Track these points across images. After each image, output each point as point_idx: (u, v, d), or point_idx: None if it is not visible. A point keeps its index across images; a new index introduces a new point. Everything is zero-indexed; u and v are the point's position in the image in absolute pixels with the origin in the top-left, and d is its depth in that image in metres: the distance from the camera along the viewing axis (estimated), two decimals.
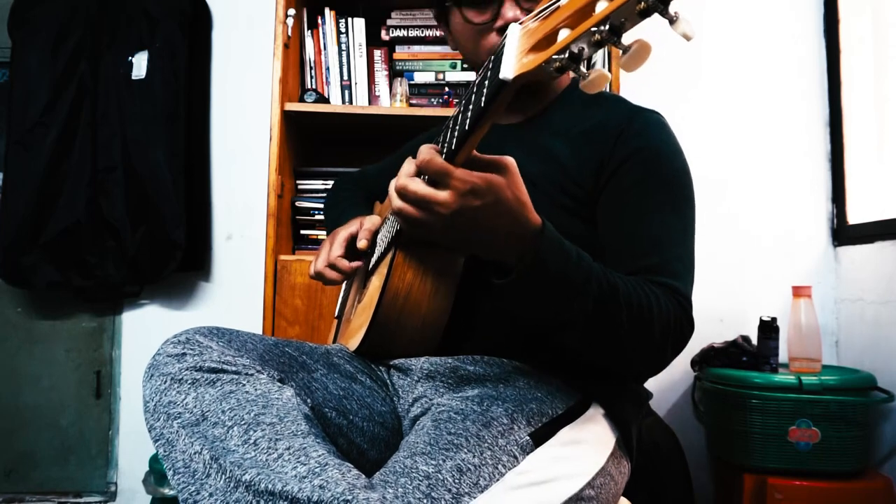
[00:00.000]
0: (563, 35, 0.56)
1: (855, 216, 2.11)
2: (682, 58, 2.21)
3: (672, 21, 0.51)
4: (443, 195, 0.69)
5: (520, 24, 0.64)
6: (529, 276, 0.74)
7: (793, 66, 2.22)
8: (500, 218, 0.71)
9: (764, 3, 2.24)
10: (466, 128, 0.69)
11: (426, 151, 0.70)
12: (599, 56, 1.88)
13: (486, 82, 0.66)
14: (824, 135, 2.20)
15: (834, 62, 2.19)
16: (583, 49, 0.55)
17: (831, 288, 2.14)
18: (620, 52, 0.55)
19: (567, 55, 0.56)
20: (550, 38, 0.58)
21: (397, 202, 0.73)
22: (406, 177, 0.72)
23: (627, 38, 0.55)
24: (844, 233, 2.12)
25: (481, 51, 1.01)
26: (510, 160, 0.73)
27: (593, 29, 0.53)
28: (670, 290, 0.84)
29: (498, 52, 0.65)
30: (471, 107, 0.70)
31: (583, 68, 0.57)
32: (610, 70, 1.78)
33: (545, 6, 0.61)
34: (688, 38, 0.52)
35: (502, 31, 0.97)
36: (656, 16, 0.51)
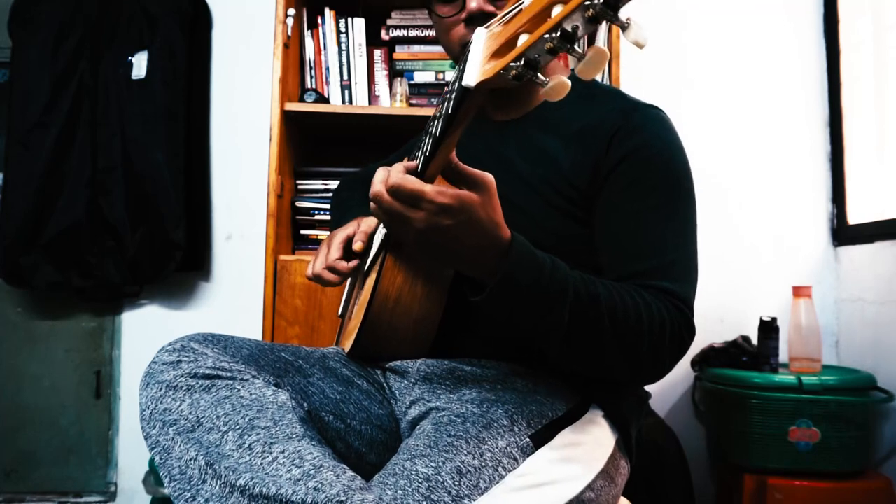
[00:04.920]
0: (522, 40, 0.55)
1: (855, 216, 2.11)
2: (682, 58, 2.21)
3: (623, 28, 0.50)
4: (414, 214, 0.69)
5: (486, 27, 0.64)
6: (500, 291, 0.73)
7: (793, 67, 2.22)
8: (471, 236, 0.71)
9: (764, 4, 2.23)
10: (437, 134, 0.68)
11: (396, 175, 0.69)
12: (602, 37, 1.86)
13: (456, 87, 0.65)
14: (824, 135, 2.20)
15: (834, 62, 2.18)
16: (537, 57, 0.55)
17: (831, 288, 2.13)
18: (576, 58, 0.54)
19: (523, 62, 0.55)
20: (511, 43, 0.57)
21: (372, 206, 0.73)
22: (381, 184, 0.71)
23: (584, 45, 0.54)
24: (844, 233, 2.12)
25: (451, 43, 1.01)
26: (490, 178, 0.72)
27: (546, 36, 0.53)
28: (666, 295, 0.82)
29: (465, 57, 0.64)
30: (441, 113, 0.69)
31: (541, 75, 0.56)
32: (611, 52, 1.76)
33: (510, 9, 0.60)
34: (640, 46, 0.51)
35: (469, 22, 0.96)
36: (635, 13, 0.51)
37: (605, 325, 0.77)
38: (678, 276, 0.84)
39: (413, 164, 0.75)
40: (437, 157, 0.70)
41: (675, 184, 0.89)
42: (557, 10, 0.52)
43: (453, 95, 0.66)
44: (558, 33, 0.52)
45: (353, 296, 1.16)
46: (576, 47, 0.53)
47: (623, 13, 0.50)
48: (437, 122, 0.71)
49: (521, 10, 0.57)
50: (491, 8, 0.95)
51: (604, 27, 0.52)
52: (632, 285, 0.82)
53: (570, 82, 0.56)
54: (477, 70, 0.60)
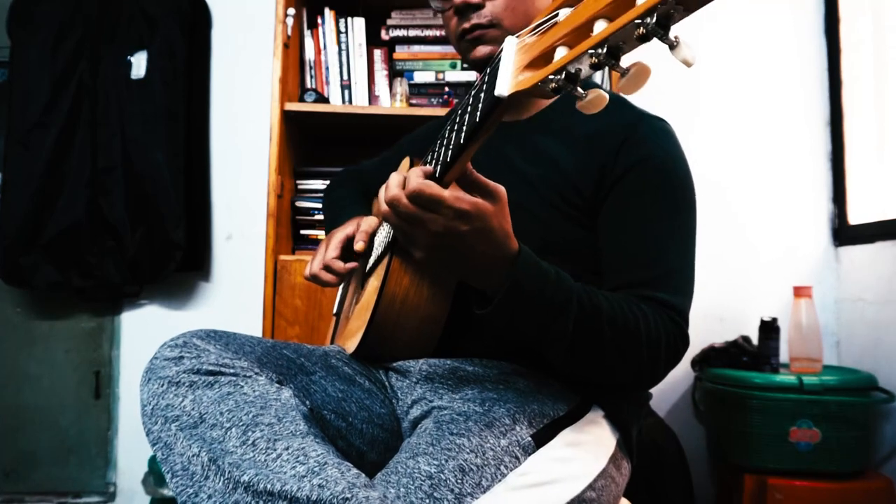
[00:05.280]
0: (561, 54, 0.55)
1: (855, 216, 2.11)
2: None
3: (672, 46, 0.49)
4: (431, 218, 0.69)
5: (517, 37, 0.64)
6: (507, 299, 0.74)
7: (793, 67, 2.22)
8: (482, 243, 0.71)
9: (765, 4, 2.24)
10: (462, 141, 0.68)
11: (416, 180, 0.69)
12: None
13: (482, 96, 0.65)
14: (825, 135, 2.20)
15: (834, 62, 2.19)
16: (580, 70, 0.54)
17: (832, 288, 2.13)
18: (619, 74, 0.53)
19: (563, 76, 0.55)
20: (547, 55, 0.57)
21: (384, 209, 0.73)
22: (398, 188, 0.71)
23: (626, 60, 0.53)
24: (845, 233, 2.12)
25: (450, 35, 1.05)
26: (502, 190, 0.73)
27: (591, 51, 0.52)
28: (663, 306, 0.83)
29: (494, 66, 0.64)
30: (466, 119, 0.69)
31: (580, 89, 0.56)
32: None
33: (543, 20, 0.60)
34: (688, 65, 0.50)
35: (459, 13, 0.99)
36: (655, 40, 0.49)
37: (607, 335, 0.78)
38: (676, 287, 0.86)
39: (430, 169, 0.75)
40: (457, 165, 0.71)
41: (677, 195, 0.91)
42: (602, 26, 0.51)
43: (479, 104, 0.66)
44: (604, 49, 0.51)
45: (351, 295, 1.15)
46: (619, 63, 0.52)
47: (671, 31, 0.49)
48: (458, 131, 0.71)
49: (557, 22, 0.57)
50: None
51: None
52: (630, 296, 0.83)
53: (608, 95, 0.56)
54: (509, 80, 0.59)
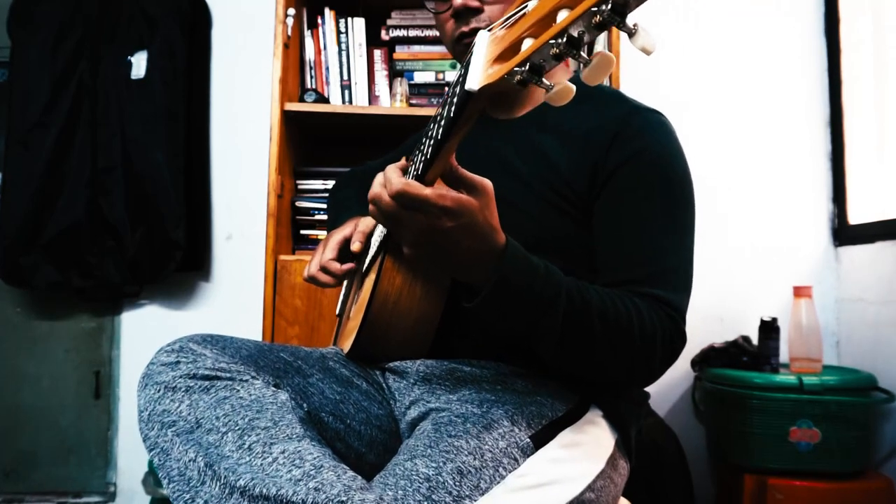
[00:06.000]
0: (526, 45, 0.54)
1: (856, 216, 2.10)
2: (683, 58, 2.21)
3: (631, 34, 0.49)
4: (414, 217, 0.69)
5: (489, 30, 0.63)
6: (495, 294, 0.73)
7: (793, 66, 2.22)
8: (468, 239, 0.71)
9: (765, 4, 2.23)
10: (439, 138, 0.68)
11: (397, 180, 0.69)
12: (602, 39, 1.84)
13: (458, 90, 0.65)
14: (825, 135, 2.20)
15: (834, 62, 2.18)
16: (543, 62, 0.54)
17: (832, 288, 2.13)
18: (581, 64, 0.53)
19: (528, 68, 0.54)
20: (515, 47, 0.56)
21: (370, 208, 0.73)
22: (379, 186, 0.71)
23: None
24: (845, 233, 2.12)
25: (446, 38, 1.04)
26: (488, 184, 0.72)
27: (551, 42, 0.51)
28: (659, 303, 0.82)
29: (467, 60, 0.64)
30: (444, 114, 0.69)
31: (546, 80, 0.55)
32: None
33: (513, 13, 0.59)
34: (647, 53, 0.50)
35: (457, 16, 0.99)
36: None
37: (597, 330, 0.77)
38: (673, 284, 0.85)
39: (403, 163, 0.75)
40: (439, 161, 0.70)
41: (674, 190, 0.89)
42: (563, 16, 0.51)
43: (455, 99, 0.65)
44: (564, 39, 0.51)
45: (351, 295, 1.16)
46: (581, 52, 0.52)
47: (630, 19, 0.48)
48: (438, 126, 0.70)
49: (525, 13, 0.56)
50: (476, 3, 0.97)
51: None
52: (625, 292, 0.82)
53: (574, 87, 0.56)
54: (480, 74, 0.59)
